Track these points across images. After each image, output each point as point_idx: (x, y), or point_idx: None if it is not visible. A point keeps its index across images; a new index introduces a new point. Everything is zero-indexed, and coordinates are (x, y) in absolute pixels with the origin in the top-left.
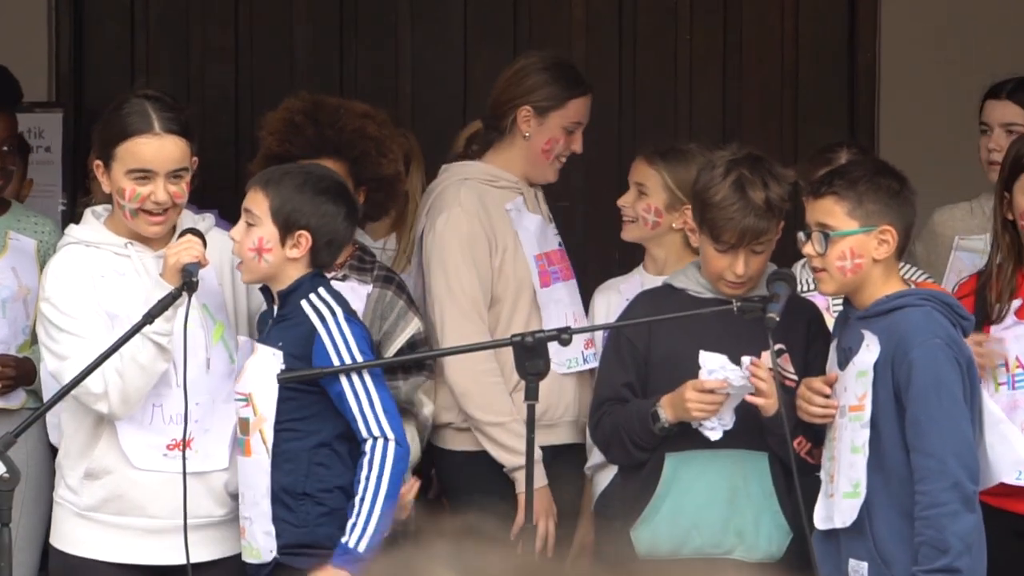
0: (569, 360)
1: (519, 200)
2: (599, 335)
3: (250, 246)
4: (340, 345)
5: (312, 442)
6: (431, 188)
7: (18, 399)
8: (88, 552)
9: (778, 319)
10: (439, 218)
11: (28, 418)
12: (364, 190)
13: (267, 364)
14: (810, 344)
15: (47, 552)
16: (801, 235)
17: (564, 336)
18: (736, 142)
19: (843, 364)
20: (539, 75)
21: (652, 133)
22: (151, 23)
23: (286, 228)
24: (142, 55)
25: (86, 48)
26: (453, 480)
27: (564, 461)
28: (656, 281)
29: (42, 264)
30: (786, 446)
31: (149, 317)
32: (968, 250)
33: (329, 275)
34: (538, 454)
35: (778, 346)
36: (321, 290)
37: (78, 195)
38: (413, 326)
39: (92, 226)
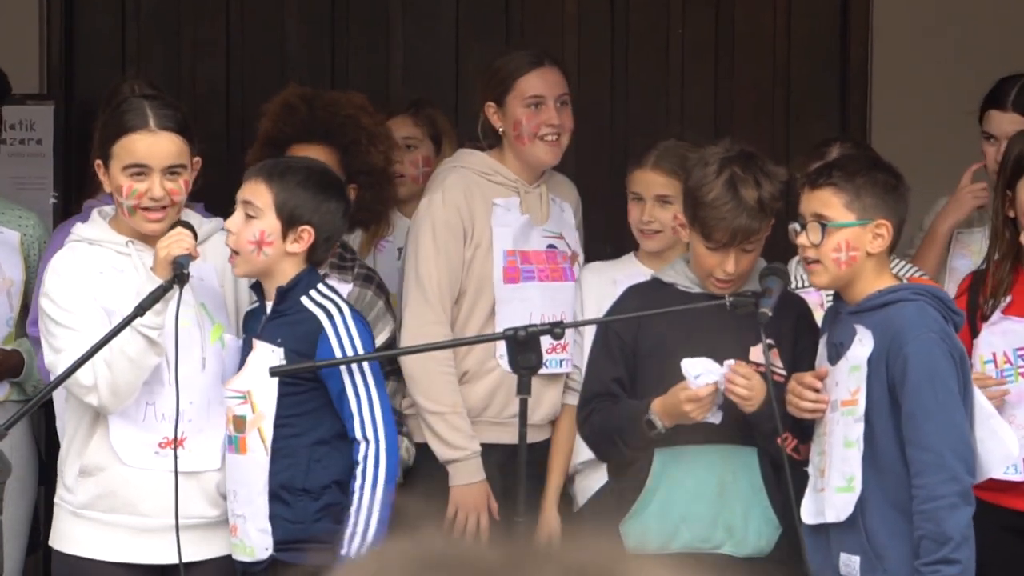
0: None
1: (512, 199)
2: (573, 340)
3: (250, 238)
4: (346, 343)
5: (311, 438)
6: (439, 167)
7: (2, 391)
8: (82, 551)
9: (771, 314)
10: (422, 201)
11: (19, 411)
12: (355, 187)
13: (267, 361)
14: (798, 339)
15: (31, 545)
16: (795, 226)
17: (557, 330)
18: (728, 137)
19: (834, 359)
20: (491, 67)
21: (643, 128)
22: (142, 16)
23: (289, 222)
24: (133, 48)
25: (77, 41)
26: (414, 470)
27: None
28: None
29: (26, 257)
30: (774, 441)
31: (140, 309)
32: (966, 244)
33: None
34: (476, 448)
35: (767, 341)
36: (321, 287)
37: (82, 193)
38: (389, 329)
39: (97, 225)
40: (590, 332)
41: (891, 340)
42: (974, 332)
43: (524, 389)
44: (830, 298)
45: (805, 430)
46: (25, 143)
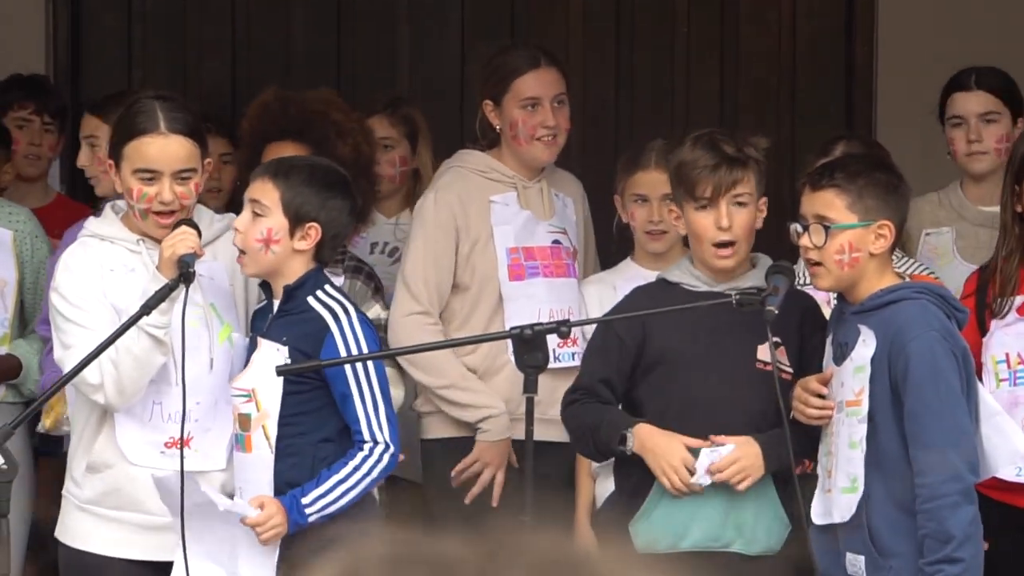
0: None
1: (510, 195)
2: (583, 333)
3: (257, 236)
4: (352, 345)
5: (316, 437)
6: (440, 166)
7: None
8: (89, 546)
9: (777, 312)
10: (420, 200)
11: (26, 410)
12: None
13: (272, 360)
14: (807, 336)
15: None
16: (797, 227)
17: (563, 329)
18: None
19: (839, 359)
20: (489, 65)
21: (648, 127)
22: (148, 16)
23: (296, 220)
24: (139, 48)
25: (83, 41)
26: (431, 467)
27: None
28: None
29: (18, 255)
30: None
31: (146, 308)
32: (933, 246)
33: None
34: (502, 406)
35: (774, 339)
36: (328, 287)
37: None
38: (373, 312)
39: (109, 221)
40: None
41: (893, 339)
42: (983, 330)
43: (530, 388)
44: (834, 299)
45: (814, 440)
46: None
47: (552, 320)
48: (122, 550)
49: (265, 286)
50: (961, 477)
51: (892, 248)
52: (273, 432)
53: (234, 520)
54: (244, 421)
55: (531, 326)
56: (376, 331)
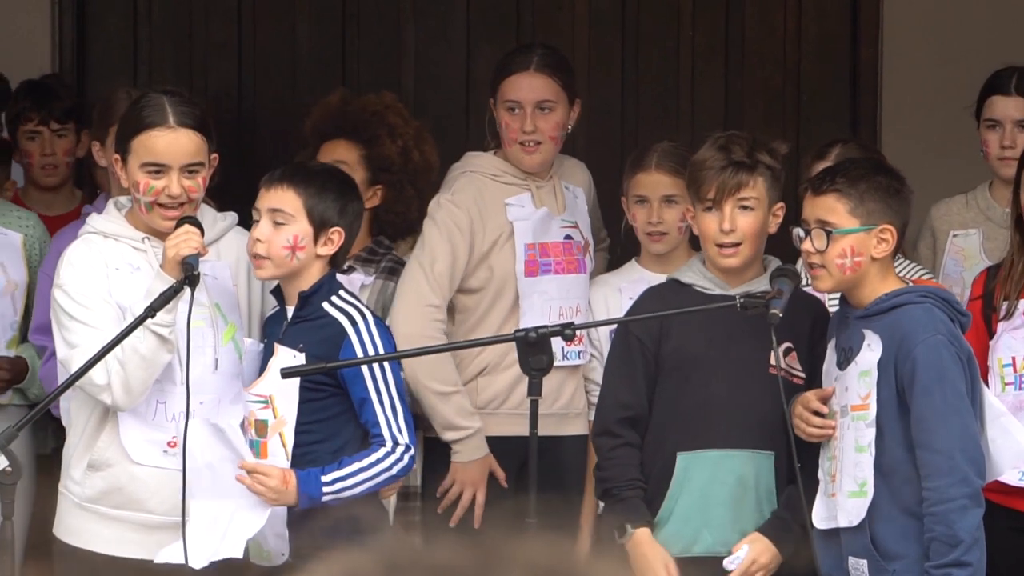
0: None
1: (524, 196)
2: (592, 333)
3: (284, 244)
4: (369, 349)
5: (332, 445)
6: (449, 171)
7: (5, 396)
8: (87, 544)
9: (781, 315)
10: (432, 203)
11: (31, 412)
12: (381, 188)
13: (289, 366)
14: (818, 340)
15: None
16: (799, 231)
17: (567, 332)
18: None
19: (843, 364)
20: (497, 64)
21: (654, 129)
22: (154, 18)
23: (320, 225)
24: (145, 50)
25: (89, 43)
26: (435, 467)
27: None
28: (661, 278)
29: (28, 259)
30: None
31: (151, 310)
32: (960, 248)
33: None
34: (477, 425)
35: (785, 344)
36: (342, 292)
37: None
38: None
39: (112, 217)
40: (604, 331)
41: (899, 343)
42: (991, 332)
43: (535, 391)
44: (831, 299)
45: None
46: None
47: (561, 319)
48: (122, 549)
49: (275, 292)
50: (969, 481)
51: (895, 251)
52: (290, 439)
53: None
54: (261, 427)
55: (535, 329)
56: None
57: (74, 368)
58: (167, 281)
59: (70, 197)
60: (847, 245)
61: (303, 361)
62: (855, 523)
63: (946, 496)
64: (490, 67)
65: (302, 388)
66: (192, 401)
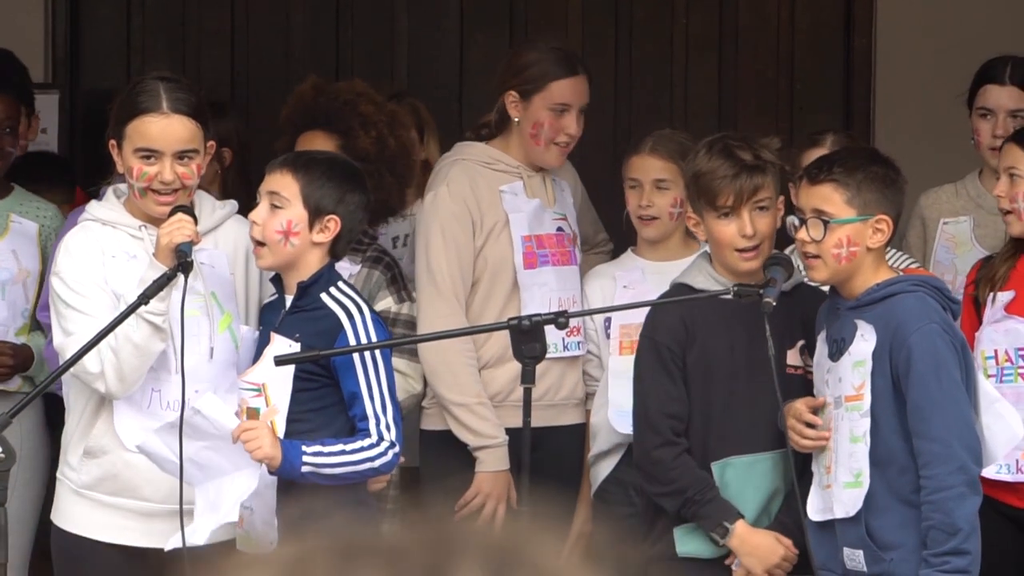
0: (550, 345)
1: (517, 184)
2: (588, 326)
3: (278, 228)
4: (364, 344)
5: (324, 435)
6: (436, 165)
7: (15, 381)
8: (83, 530)
9: (775, 303)
10: (427, 196)
11: (24, 399)
12: None
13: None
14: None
15: (39, 535)
16: (794, 220)
17: (561, 320)
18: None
19: (835, 355)
20: (525, 59)
21: (647, 119)
22: (147, 6)
23: (316, 212)
24: (138, 38)
25: (82, 31)
26: (428, 458)
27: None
28: (656, 266)
29: (43, 248)
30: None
31: (144, 298)
32: (951, 236)
33: None
34: (504, 437)
35: (800, 342)
36: (341, 284)
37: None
38: (385, 303)
39: (111, 205)
40: (600, 325)
41: (894, 333)
42: (981, 321)
43: (528, 379)
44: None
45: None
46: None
47: (559, 309)
48: (117, 536)
49: (275, 280)
50: (966, 468)
51: (888, 242)
52: (281, 428)
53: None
54: (252, 415)
55: (529, 317)
56: (387, 327)
57: (69, 356)
58: (160, 269)
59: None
60: (844, 235)
61: (299, 351)
62: (851, 514)
63: (944, 484)
64: (484, 56)
65: (295, 378)
66: (187, 389)
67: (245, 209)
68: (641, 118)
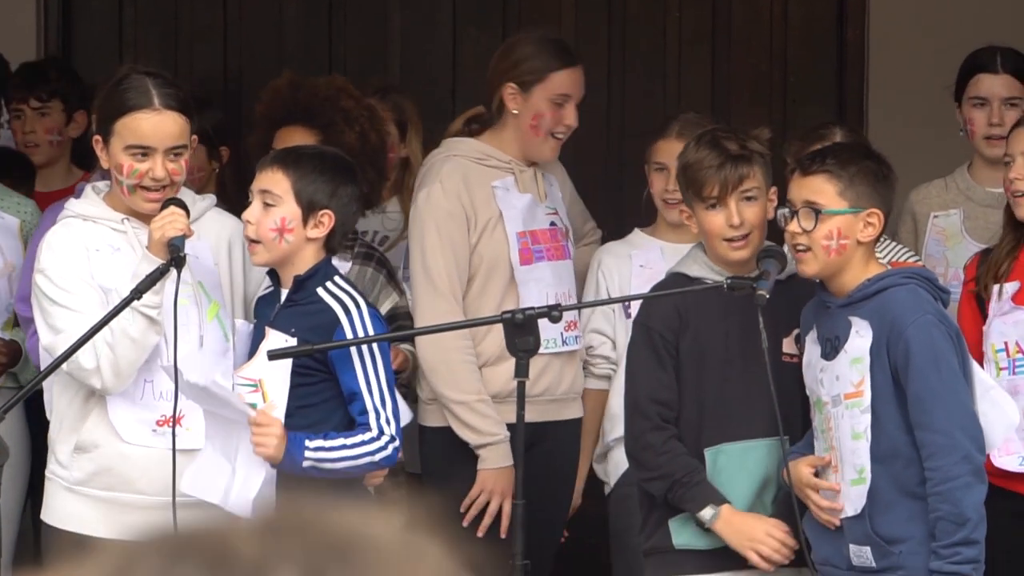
0: (546, 340)
1: (509, 179)
2: (585, 316)
3: (272, 226)
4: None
5: (322, 429)
6: (424, 162)
7: None
8: (77, 527)
9: (768, 296)
10: (420, 194)
11: (16, 395)
12: None
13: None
14: None
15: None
16: (785, 212)
17: (554, 313)
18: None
19: (830, 354)
20: (522, 50)
21: (640, 112)
22: (140, 1)
23: (309, 208)
24: (130, 33)
25: (75, 27)
26: (428, 455)
27: (555, 437)
28: (675, 248)
29: (26, 242)
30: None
31: (137, 292)
32: (941, 229)
33: None
34: (506, 433)
35: (796, 331)
36: (337, 278)
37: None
38: (392, 300)
39: (91, 200)
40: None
41: (890, 326)
42: (984, 315)
43: (521, 372)
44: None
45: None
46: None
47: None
48: (113, 530)
49: (272, 273)
50: (971, 458)
51: (877, 238)
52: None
53: (236, 428)
54: None
55: (522, 310)
56: (388, 323)
57: (60, 353)
58: (153, 262)
59: (65, 175)
60: (834, 227)
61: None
62: (859, 510)
63: (950, 475)
64: (477, 51)
65: (293, 372)
66: (178, 379)
67: (240, 207)
68: (634, 112)
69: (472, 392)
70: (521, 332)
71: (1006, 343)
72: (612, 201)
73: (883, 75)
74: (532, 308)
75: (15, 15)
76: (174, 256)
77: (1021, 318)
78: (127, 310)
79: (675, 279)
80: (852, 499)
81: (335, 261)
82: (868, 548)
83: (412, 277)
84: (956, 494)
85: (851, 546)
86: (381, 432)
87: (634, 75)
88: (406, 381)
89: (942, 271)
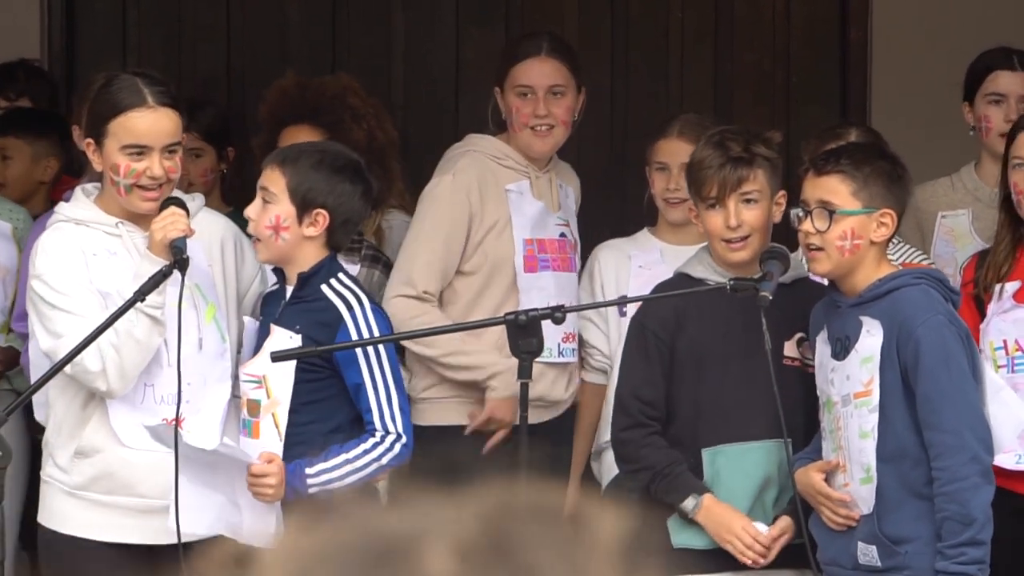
0: (545, 351)
1: (524, 183)
2: (599, 295)
3: (267, 224)
4: (365, 335)
5: (327, 426)
6: (445, 154)
7: None
8: (77, 531)
9: (771, 297)
10: (433, 180)
11: (20, 397)
12: None
13: (284, 347)
14: None
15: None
16: (798, 212)
17: (557, 315)
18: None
19: (840, 354)
20: (501, 53)
21: (643, 112)
22: (143, 2)
23: (303, 206)
24: (134, 34)
25: (79, 27)
26: (422, 454)
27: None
28: (675, 249)
29: (19, 247)
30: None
31: (140, 294)
32: (949, 229)
33: None
34: (504, 361)
35: (799, 335)
36: (341, 275)
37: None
38: None
39: (82, 204)
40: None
41: (900, 326)
42: (983, 314)
43: (525, 373)
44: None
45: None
46: None
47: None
48: (114, 534)
49: (278, 270)
50: (979, 459)
51: (890, 238)
52: (283, 420)
53: (237, 467)
54: (253, 407)
55: (525, 312)
56: (391, 322)
57: (61, 357)
58: (155, 263)
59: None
60: (848, 227)
61: (299, 342)
62: (870, 509)
63: (958, 475)
64: (480, 52)
65: (297, 369)
66: (180, 381)
67: (241, 207)
68: (637, 112)
69: (455, 343)
70: (524, 334)
71: (1004, 341)
72: (615, 202)
73: (886, 75)
74: (536, 309)
75: (19, 17)
76: (177, 258)
77: (1021, 316)
78: (131, 311)
79: (680, 279)
80: (864, 497)
81: (343, 263)
82: (874, 547)
83: (400, 253)
84: (964, 494)
85: (859, 544)
86: (386, 431)
87: (637, 75)
88: None
89: (952, 271)
